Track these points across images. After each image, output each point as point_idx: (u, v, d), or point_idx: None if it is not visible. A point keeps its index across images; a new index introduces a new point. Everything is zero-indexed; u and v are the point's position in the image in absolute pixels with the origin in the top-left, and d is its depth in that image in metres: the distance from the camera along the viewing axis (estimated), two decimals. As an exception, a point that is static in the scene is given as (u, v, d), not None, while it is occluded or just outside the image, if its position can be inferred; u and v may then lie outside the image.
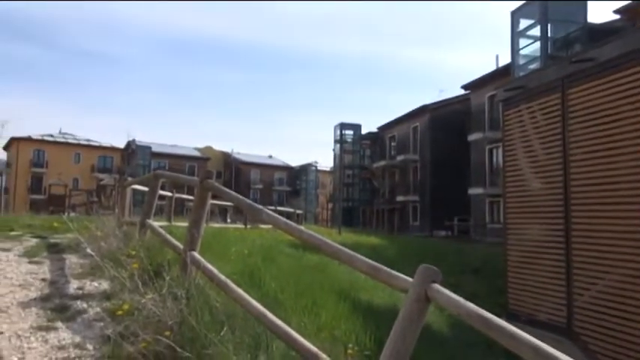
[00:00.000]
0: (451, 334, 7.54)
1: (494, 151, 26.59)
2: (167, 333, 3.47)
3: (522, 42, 13.49)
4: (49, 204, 36.96)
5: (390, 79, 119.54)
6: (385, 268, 2.79)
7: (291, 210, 26.88)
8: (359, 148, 46.35)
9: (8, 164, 51.12)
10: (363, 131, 46.04)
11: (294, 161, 70.35)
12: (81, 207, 36.80)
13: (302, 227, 4.17)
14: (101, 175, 49.31)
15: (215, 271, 4.16)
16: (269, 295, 5.26)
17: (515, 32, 13.42)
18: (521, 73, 12.52)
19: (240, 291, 3.91)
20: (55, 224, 11.23)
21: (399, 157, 38.12)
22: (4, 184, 40.07)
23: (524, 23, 13.52)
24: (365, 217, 44.61)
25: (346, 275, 8.21)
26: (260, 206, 4.22)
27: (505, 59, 23.31)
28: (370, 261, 2.92)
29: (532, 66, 12.83)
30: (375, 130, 44.52)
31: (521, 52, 13.53)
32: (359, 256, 3.01)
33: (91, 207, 34.01)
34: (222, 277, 4.06)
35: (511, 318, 8.72)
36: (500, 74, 23.89)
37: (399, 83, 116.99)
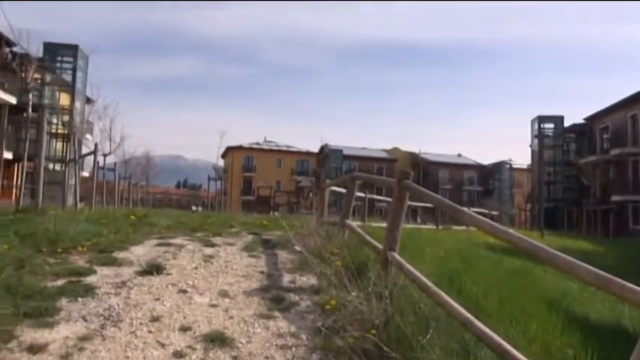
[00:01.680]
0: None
1: None
2: (373, 331, 3.55)
3: None
4: (257, 204, 41.79)
5: (571, 64, 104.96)
6: (618, 279, 2.40)
7: (485, 211, 25.47)
8: (561, 143, 41.60)
9: (225, 170, 59.29)
10: (566, 123, 41.25)
11: (486, 159, 66.78)
12: (283, 207, 40.79)
13: (511, 230, 3.87)
14: (299, 178, 53.74)
15: (417, 272, 4.13)
16: (470, 300, 5.02)
17: None
18: None
19: (443, 294, 3.80)
20: (265, 222, 12.56)
21: (614, 151, 33.12)
22: (222, 187, 46.53)
23: None
24: (571, 219, 39.86)
25: (554, 283, 7.41)
26: (462, 207, 4.05)
27: None
28: (598, 270, 2.55)
29: None
30: (580, 121, 39.53)
31: None
32: (582, 264, 2.65)
33: (292, 207, 37.44)
34: (425, 280, 4.00)
35: None
36: None
37: (586, 68, 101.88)
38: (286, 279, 5.26)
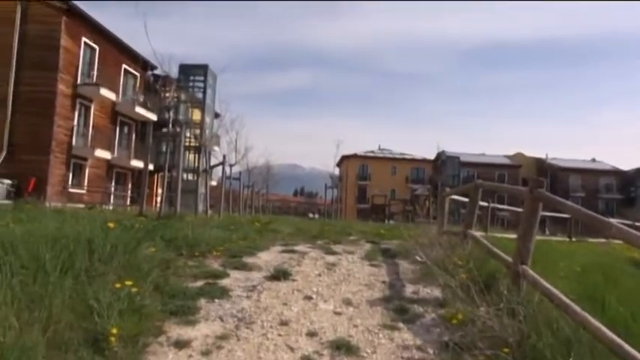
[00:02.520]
0: None
1: None
2: (506, 350, 3.35)
3: None
4: (372, 212, 41.86)
5: None
6: None
7: (628, 222, 22.81)
8: None
9: (340, 178, 60.31)
10: None
11: (626, 164, 59.96)
12: (398, 215, 40.36)
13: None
14: (415, 186, 52.86)
15: (553, 289, 3.82)
16: (617, 322, 4.51)
17: None
18: None
19: (585, 314, 3.47)
20: (382, 231, 12.53)
21: None
22: (338, 195, 47.37)
23: None
24: None
25: None
26: (608, 219, 3.67)
27: None
28: None
29: None
30: None
31: None
32: None
33: (407, 215, 36.90)
34: (563, 297, 3.69)
35: None
36: None
37: None
38: (409, 290, 5.18)
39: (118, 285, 3.91)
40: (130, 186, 29.69)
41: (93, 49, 25.75)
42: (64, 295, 3.55)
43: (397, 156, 62.33)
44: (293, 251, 6.98)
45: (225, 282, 5.08)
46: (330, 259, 6.60)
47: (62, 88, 23.33)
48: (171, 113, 15.42)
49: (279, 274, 5.36)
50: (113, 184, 28.25)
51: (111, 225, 4.95)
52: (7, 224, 4.60)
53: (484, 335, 3.67)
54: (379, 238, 10.26)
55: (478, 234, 7.36)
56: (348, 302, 4.72)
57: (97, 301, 3.57)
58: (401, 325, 4.18)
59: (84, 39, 24.82)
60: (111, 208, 21.05)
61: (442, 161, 55.37)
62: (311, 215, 39.27)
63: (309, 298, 4.79)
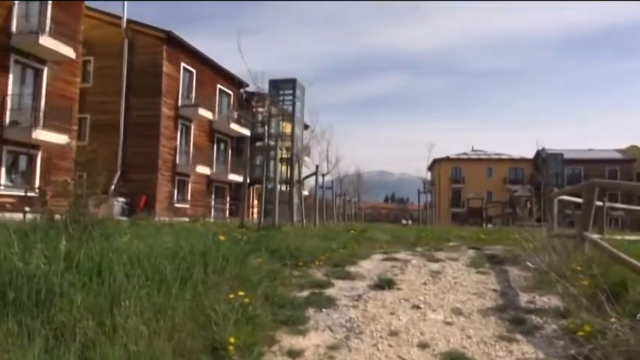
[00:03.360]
0: None
1: None
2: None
3: None
4: (467, 216, 40.29)
5: None
6: None
7: None
8: None
9: (432, 182, 58.84)
10: None
11: None
12: (497, 218, 38.42)
13: None
14: (514, 187, 50.10)
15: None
16: None
17: None
18: None
19: None
20: (482, 236, 11.99)
21: None
22: (432, 200, 46.22)
23: None
24: None
25: None
26: None
27: None
28: None
29: None
30: None
31: None
32: None
33: (508, 218, 34.99)
34: None
35: None
36: None
37: None
38: (523, 298, 4.86)
39: (231, 295, 4.07)
40: (227, 199, 31.21)
41: (191, 73, 27.56)
42: (184, 305, 3.75)
43: (493, 156, 59.56)
44: (394, 259, 6.87)
45: (330, 291, 5.10)
46: (434, 266, 6.40)
47: (165, 110, 25.19)
48: (266, 128, 15.98)
49: (384, 283, 5.29)
50: (213, 197, 29.85)
51: (222, 238, 5.20)
52: (131, 240, 4.98)
53: (619, 350, 3.33)
54: (481, 244, 9.84)
55: (596, 236, 6.76)
56: (458, 312, 4.53)
57: (214, 311, 3.74)
58: (519, 336, 3.92)
59: (183, 64, 26.65)
60: (212, 220, 22.21)
61: (543, 159, 51.89)
62: (404, 221, 38.67)
63: (417, 307, 4.66)
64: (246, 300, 4.05)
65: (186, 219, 20.45)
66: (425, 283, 5.49)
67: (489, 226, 30.44)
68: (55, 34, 18.27)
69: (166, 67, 25.11)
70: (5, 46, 17.05)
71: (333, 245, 7.71)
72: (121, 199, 21.57)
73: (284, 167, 30.02)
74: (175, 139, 26.10)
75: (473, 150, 61.97)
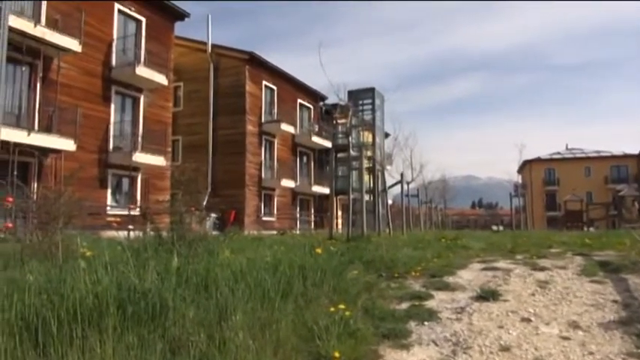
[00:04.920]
0: None
1: None
2: None
3: None
4: (565, 220, 37.58)
5: None
6: None
7: None
8: None
9: (524, 185, 55.78)
10: None
11: None
12: (599, 221, 35.50)
13: None
14: (618, 187, 46.15)
15: None
16: None
17: None
18: None
19: None
20: (587, 241, 11.09)
21: None
22: (524, 203, 43.77)
23: None
24: None
25: None
26: None
27: None
28: None
29: None
30: None
31: None
32: None
33: (613, 221, 32.21)
34: None
35: None
36: None
37: None
38: (651, 310, 4.38)
39: (331, 309, 4.04)
40: (312, 210, 31.63)
41: (272, 90, 28.45)
42: (287, 319, 3.78)
43: (591, 154, 55.40)
44: (494, 268, 6.50)
45: (430, 303, 4.92)
46: (540, 275, 5.97)
47: (250, 128, 26.17)
48: (349, 138, 16.04)
49: (488, 294, 5.00)
50: (298, 209, 30.41)
51: (318, 251, 5.21)
52: (230, 254, 5.14)
53: None
54: (587, 250, 9.10)
55: None
56: (575, 325, 4.16)
57: (317, 325, 3.73)
58: (651, 353, 3.52)
59: (264, 82, 27.61)
60: (298, 232, 22.59)
61: (650, 155, 47.48)
62: (494, 227, 36.86)
63: (527, 320, 4.34)
64: (347, 313, 4.00)
65: (274, 232, 20.96)
66: (533, 294, 5.12)
67: (591, 229, 28.20)
68: (149, 63, 19.70)
69: (249, 87, 26.13)
70: (107, 79, 18.65)
71: (427, 254, 7.48)
72: (213, 215, 22.59)
73: (366, 176, 29.98)
74: (260, 154, 26.99)
75: (567, 149, 58.08)
